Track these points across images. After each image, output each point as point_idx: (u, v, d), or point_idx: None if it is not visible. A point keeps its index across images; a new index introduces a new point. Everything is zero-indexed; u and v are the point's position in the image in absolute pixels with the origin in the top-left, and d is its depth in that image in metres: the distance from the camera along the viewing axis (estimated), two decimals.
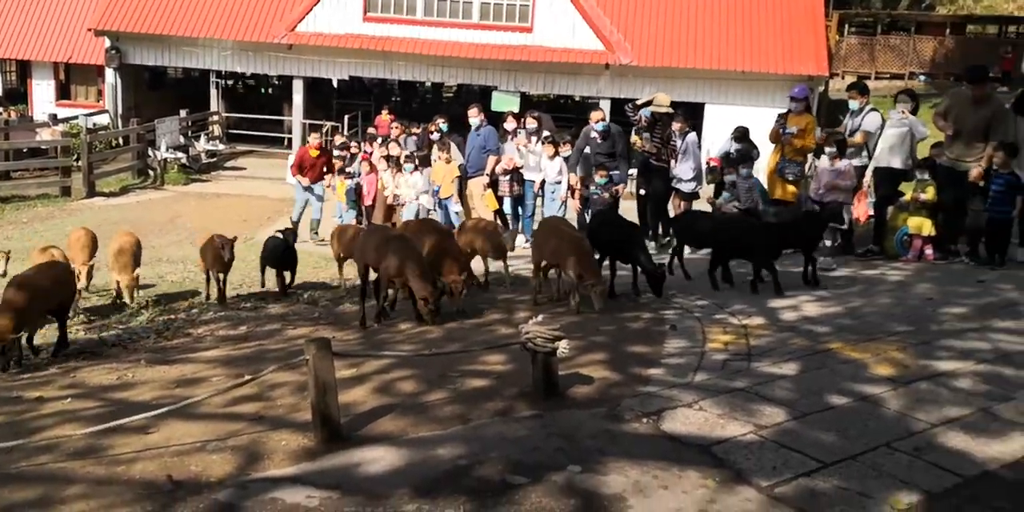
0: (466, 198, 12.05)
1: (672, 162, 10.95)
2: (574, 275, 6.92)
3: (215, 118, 23.44)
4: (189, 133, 21.37)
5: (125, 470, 3.85)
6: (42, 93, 24.16)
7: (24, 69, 24.87)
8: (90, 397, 5.22)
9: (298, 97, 21.99)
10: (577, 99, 25.03)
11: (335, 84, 23.28)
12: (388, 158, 12.56)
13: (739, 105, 19.58)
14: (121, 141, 20.27)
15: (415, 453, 3.92)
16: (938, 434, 4.10)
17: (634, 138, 10.96)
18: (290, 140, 22.39)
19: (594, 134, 10.88)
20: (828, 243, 9.49)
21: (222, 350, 6.65)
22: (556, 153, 11.73)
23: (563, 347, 4.44)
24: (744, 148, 10.97)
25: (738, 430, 4.13)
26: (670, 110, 10.75)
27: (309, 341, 4.05)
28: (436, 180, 11.92)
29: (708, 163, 12.54)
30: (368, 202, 12.89)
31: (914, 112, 9.73)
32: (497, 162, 11.82)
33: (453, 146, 12.10)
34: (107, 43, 21.71)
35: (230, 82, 26.73)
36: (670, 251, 8.87)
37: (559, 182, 11.58)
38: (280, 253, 9.37)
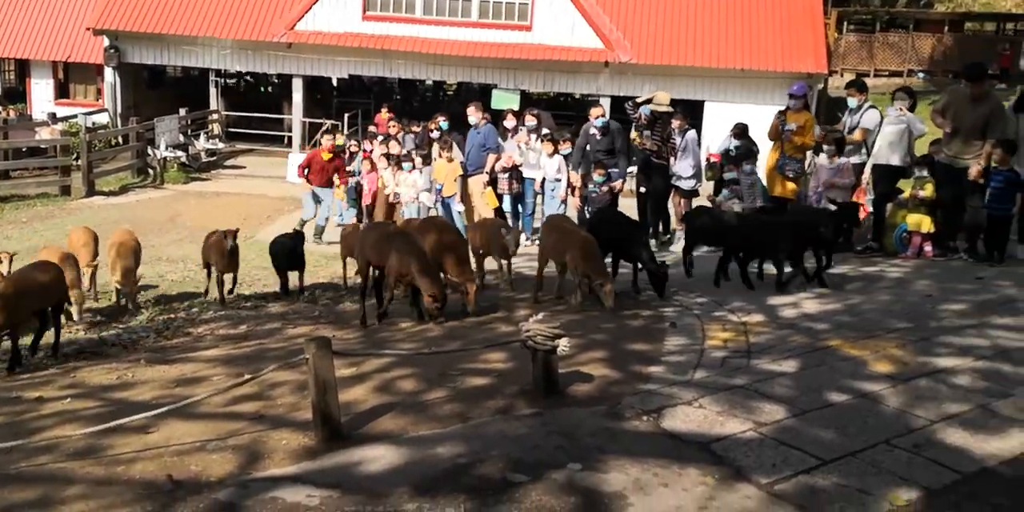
0: (467, 196, 12.05)
1: (672, 160, 10.97)
2: (582, 274, 6.93)
3: (214, 117, 23.39)
4: (188, 132, 21.31)
5: (125, 470, 3.85)
6: (41, 92, 24.12)
7: (23, 68, 24.81)
8: (90, 397, 5.22)
9: (298, 96, 21.97)
10: (577, 97, 25.01)
11: (335, 82, 23.25)
12: (388, 156, 12.55)
13: (738, 103, 19.59)
14: (120, 140, 20.22)
15: (415, 451, 3.93)
16: (937, 431, 4.10)
17: (633, 135, 10.96)
18: (290, 138, 22.39)
19: (593, 130, 10.88)
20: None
21: (222, 349, 6.66)
22: (555, 151, 11.74)
23: (563, 345, 4.44)
24: (744, 144, 10.97)
25: (738, 427, 4.14)
26: (670, 108, 10.75)
27: (309, 340, 4.05)
28: (438, 179, 11.92)
29: (708, 159, 12.54)
30: (368, 201, 12.89)
31: (911, 109, 9.72)
32: (497, 160, 11.83)
33: (454, 145, 12.11)
34: (106, 42, 21.67)
35: (230, 81, 26.69)
36: (681, 249, 8.81)
37: (559, 180, 11.59)
38: (288, 253, 9.42)
